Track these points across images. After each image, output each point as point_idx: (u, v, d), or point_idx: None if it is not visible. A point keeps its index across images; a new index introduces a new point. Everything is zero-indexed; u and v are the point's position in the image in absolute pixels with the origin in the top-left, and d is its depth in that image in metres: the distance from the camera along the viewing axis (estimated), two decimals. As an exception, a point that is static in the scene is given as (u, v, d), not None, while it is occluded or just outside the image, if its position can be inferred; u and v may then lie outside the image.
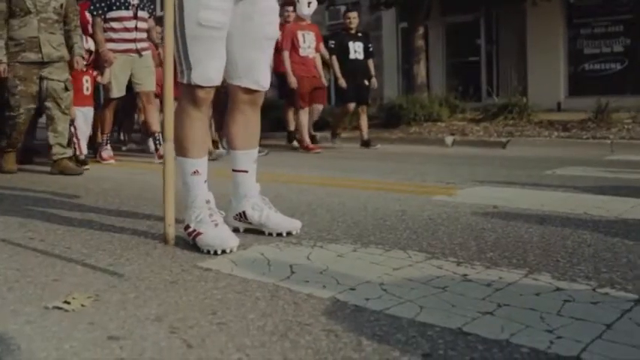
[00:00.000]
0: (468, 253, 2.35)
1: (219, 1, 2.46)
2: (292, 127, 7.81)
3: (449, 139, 8.06)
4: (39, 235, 2.93)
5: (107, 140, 6.53)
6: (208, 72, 2.49)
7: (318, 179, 4.62)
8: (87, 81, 6.11)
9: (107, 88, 6.26)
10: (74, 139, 5.94)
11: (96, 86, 6.33)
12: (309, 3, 2.54)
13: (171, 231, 2.01)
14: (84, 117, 6.07)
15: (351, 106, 7.80)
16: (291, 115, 7.85)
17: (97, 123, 6.45)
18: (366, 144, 7.79)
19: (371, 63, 8.00)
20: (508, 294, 1.86)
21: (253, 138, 2.80)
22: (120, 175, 5.23)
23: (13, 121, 5.25)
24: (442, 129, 8.90)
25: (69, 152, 5.43)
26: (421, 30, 11.11)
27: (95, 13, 6.05)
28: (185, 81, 2.53)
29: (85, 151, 6.04)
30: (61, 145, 5.36)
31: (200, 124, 2.59)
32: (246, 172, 2.80)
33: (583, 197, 3.58)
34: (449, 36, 15.37)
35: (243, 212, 2.79)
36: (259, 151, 6.41)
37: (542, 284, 1.95)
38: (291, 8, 7.63)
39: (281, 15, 7.72)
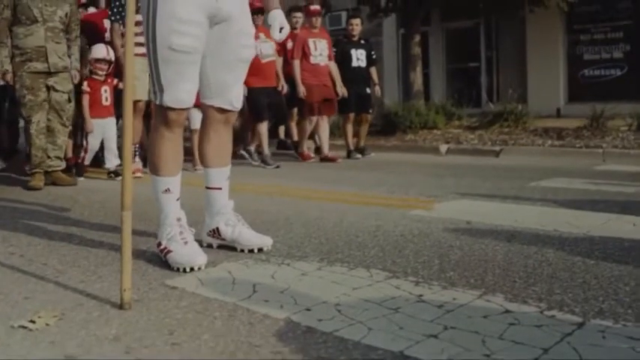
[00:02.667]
0: (429, 272, 2.41)
1: (192, 26, 2.52)
2: (296, 138, 7.79)
3: (443, 148, 8.11)
4: (19, 250, 3.00)
5: (137, 151, 5.96)
6: (179, 94, 2.56)
7: (302, 191, 4.69)
8: (105, 91, 5.85)
9: None
10: (82, 151, 5.87)
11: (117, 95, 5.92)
12: (281, 28, 2.60)
13: (127, 295, 2.03)
14: (101, 130, 5.78)
15: (351, 115, 7.73)
16: (294, 125, 7.84)
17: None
18: (360, 151, 7.78)
19: (374, 70, 7.94)
20: (457, 316, 1.92)
21: (226, 156, 2.87)
22: (111, 187, 5.17)
23: (27, 134, 5.25)
24: (437, 137, 8.95)
25: (63, 165, 5.46)
26: (418, 37, 11.13)
27: (113, 18, 5.84)
28: (157, 102, 2.60)
29: (109, 165, 5.82)
30: (58, 157, 5.39)
31: (171, 144, 2.65)
32: (219, 189, 2.87)
33: (558, 212, 3.62)
34: (449, 41, 15.43)
35: (217, 228, 2.85)
36: (271, 165, 6.50)
37: (493, 306, 2.00)
38: (299, 14, 7.61)
39: (288, 20, 7.70)
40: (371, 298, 2.10)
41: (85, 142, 5.90)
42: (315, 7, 7.40)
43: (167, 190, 2.66)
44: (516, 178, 5.18)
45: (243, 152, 6.78)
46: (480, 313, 1.94)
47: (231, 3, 2.64)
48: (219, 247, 2.88)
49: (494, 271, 2.41)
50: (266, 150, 6.80)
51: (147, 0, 2.53)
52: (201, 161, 2.88)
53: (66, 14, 5.33)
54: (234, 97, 2.77)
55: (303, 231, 3.22)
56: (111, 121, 5.91)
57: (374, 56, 8.02)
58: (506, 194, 4.32)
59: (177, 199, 2.70)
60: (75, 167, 5.86)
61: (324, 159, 7.16)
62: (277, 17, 2.81)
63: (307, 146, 7.57)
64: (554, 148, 7.59)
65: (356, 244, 2.91)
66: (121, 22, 5.71)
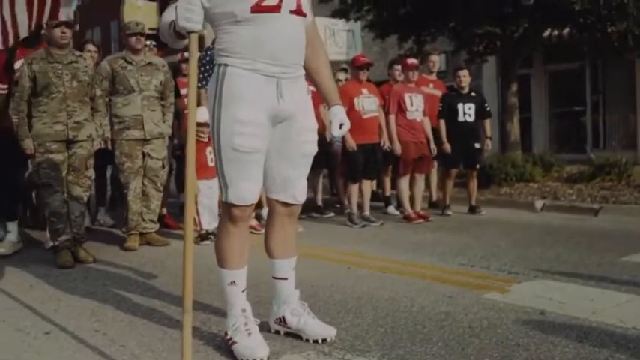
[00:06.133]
0: (487, 379, 2.36)
1: (254, 128, 2.65)
2: (388, 192, 7.69)
3: (538, 204, 7.83)
4: (104, 327, 3.23)
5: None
6: (242, 193, 2.69)
7: (381, 262, 4.69)
8: (210, 152, 5.68)
9: None
10: (194, 214, 5.70)
11: None
12: (341, 125, 2.67)
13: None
14: (209, 190, 5.68)
15: (455, 171, 7.58)
16: (388, 180, 7.69)
17: None
18: (472, 210, 7.54)
19: (487, 123, 7.67)
20: None
21: (291, 247, 2.97)
22: (199, 251, 4.76)
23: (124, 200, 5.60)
24: (534, 191, 8.66)
25: (156, 227, 5.77)
26: (515, 86, 10.87)
27: (200, 85, 5.77)
28: (223, 199, 2.74)
29: (206, 225, 5.74)
30: (152, 221, 5.70)
31: (237, 239, 2.78)
32: (285, 279, 2.97)
33: (643, 302, 3.43)
34: (552, 84, 15.00)
35: (283, 317, 2.95)
36: (374, 222, 6.49)
37: None
38: (398, 67, 7.46)
39: (390, 72, 7.74)
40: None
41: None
42: (412, 61, 7.24)
43: (233, 283, 2.79)
44: (608, 250, 4.93)
45: (348, 222, 6.70)
46: None
47: (293, 102, 2.75)
48: (286, 334, 2.96)
49: (556, 382, 2.33)
50: (366, 209, 6.80)
51: (212, 101, 2.69)
52: (267, 252, 2.98)
53: (160, 82, 5.66)
54: (298, 192, 2.87)
55: (371, 317, 3.24)
56: (216, 183, 5.95)
57: (487, 108, 7.71)
58: (591, 272, 4.13)
59: (243, 291, 2.82)
60: (199, 237, 5.71)
61: (419, 216, 6.97)
62: (338, 114, 2.89)
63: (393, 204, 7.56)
64: (660, 208, 7.15)
65: (420, 336, 2.90)
66: (207, 87, 5.90)
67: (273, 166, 2.82)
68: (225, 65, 2.68)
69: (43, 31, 5.20)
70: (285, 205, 2.88)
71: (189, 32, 2.47)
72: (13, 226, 5.48)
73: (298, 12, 2.72)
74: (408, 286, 3.88)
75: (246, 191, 2.69)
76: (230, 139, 2.63)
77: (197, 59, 2.50)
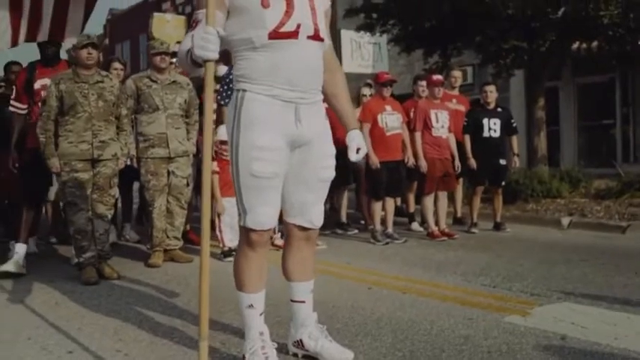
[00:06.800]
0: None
1: (273, 153, 2.67)
2: (412, 209, 7.71)
3: (565, 221, 7.72)
4: (125, 347, 3.28)
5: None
6: (260, 217, 2.71)
7: (402, 282, 4.67)
8: None
9: None
10: (217, 232, 5.82)
11: None
12: (358, 149, 2.68)
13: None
14: (233, 208, 5.21)
15: (480, 188, 7.52)
16: (412, 196, 7.66)
17: None
18: (497, 227, 7.47)
19: (514, 139, 7.62)
20: None
21: (309, 270, 2.98)
22: (222, 268, 4.73)
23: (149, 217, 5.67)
24: (561, 207, 8.55)
25: (180, 244, 5.81)
26: (542, 101, 10.77)
27: (223, 103, 6.01)
28: (241, 223, 2.76)
29: (228, 243, 5.74)
30: (176, 237, 5.76)
31: (254, 263, 2.80)
32: (303, 302, 2.97)
33: (669, 326, 3.37)
34: (581, 97, 14.83)
35: (301, 340, 2.96)
36: (397, 239, 6.47)
37: None
38: (423, 82, 7.39)
39: (414, 88, 7.68)
40: None
41: (217, 222, 5.84)
42: (438, 77, 7.20)
43: (250, 306, 2.81)
44: (635, 270, 4.85)
45: (371, 239, 6.68)
46: None
47: (311, 127, 2.77)
48: (304, 356, 2.97)
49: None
50: (389, 227, 6.79)
51: (231, 127, 2.72)
52: (285, 275, 2.99)
53: (185, 100, 5.73)
54: (315, 216, 2.88)
55: (390, 340, 3.23)
56: None
57: (514, 124, 7.62)
58: (616, 294, 4.07)
59: (261, 314, 2.84)
60: (222, 254, 5.77)
61: (443, 234, 6.92)
62: (355, 138, 2.90)
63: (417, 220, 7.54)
64: (690, 226, 7.01)
65: (438, 362, 2.89)
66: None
67: (291, 191, 2.83)
68: (244, 91, 2.71)
69: (68, 50, 5.34)
70: (303, 229, 2.89)
71: (206, 61, 2.49)
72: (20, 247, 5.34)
73: (316, 37, 2.74)
74: (428, 308, 3.86)
75: (264, 216, 2.71)
76: (248, 165, 2.66)
77: (213, 88, 2.53)
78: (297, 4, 2.67)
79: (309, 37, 2.71)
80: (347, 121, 2.96)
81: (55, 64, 5.53)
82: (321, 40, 2.78)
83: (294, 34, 2.66)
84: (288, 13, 2.65)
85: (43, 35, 5.60)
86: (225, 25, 2.67)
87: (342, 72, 3.05)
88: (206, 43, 2.43)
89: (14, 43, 5.64)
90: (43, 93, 5.23)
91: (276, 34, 2.63)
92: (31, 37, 5.64)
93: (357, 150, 2.88)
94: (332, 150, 2.91)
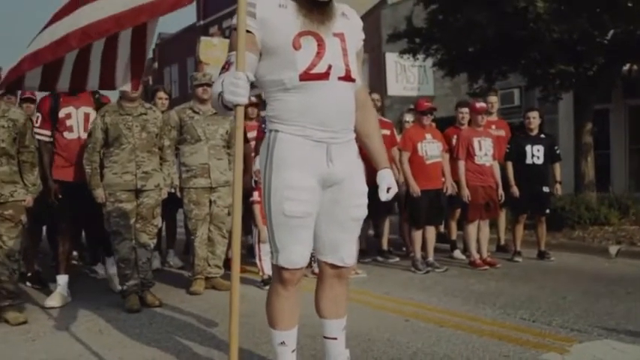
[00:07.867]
0: None
1: (304, 193, 2.71)
2: (454, 236, 7.67)
3: (613, 249, 7.53)
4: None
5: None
6: (292, 256, 2.75)
7: (441, 313, 4.65)
8: None
9: None
10: (257, 260, 5.88)
11: None
12: (389, 189, 2.70)
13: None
14: None
15: (523, 216, 7.42)
16: (454, 224, 7.67)
17: None
18: (541, 255, 7.35)
19: (557, 167, 7.47)
20: None
21: (341, 308, 3.00)
22: (260, 296, 4.79)
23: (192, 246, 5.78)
24: (609, 235, 8.33)
25: (221, 272, 5.90)
26: (589, 125, 10.56)
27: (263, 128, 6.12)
28: (274, 262, 2.81)
29: (267, 271, 5.66)
30: (217, 266, 5.87)
31: (287, 301, 2.84)
32: (335, 339, 3.00)
33: None
34: (632, 119, 14.47)
35: (332, 376, 2.96)
36: (438, 267, 6.44)
37: None
38: (465, 110, 7.41)
39: (455, 114, 7.66)
40: None
41: (257, 250, 5.93)
42: (481, 104, 7.12)
43: (282, 343, 2.85)
44: (683, 305, 4.71)
45: (412, 268, 6.68)
46: None
47: (343, 167, 2.80)
48: (335, 393, 2.98)
49: None
50: (430, 255, 6.77)
51: (263, 167, 2.78)
52: (318, 312, 3.02)
53: (227, 131, 5.84)
54: (347, 255, 2.90)
55: (423, 377, 3.21)
56: None
57: (557, 151, 7.48)
58: (661, 332, 3.96)
59: (293, 351, 2.88)
60: (262, 282, 5.82)
61: (485, 263, 6.84)
62: (386, 177, 2.92)
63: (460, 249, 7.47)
64: None
65: (470, 402, 2.86)
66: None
67: (323, 229, 2.86)
68: (276, 131, 2.76)
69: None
70: (334, 267, 2.92)
71: (236, 105, 2.56)
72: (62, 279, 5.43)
73: (347, 78, 2.78)
74: (464, 343, 3.83)
75: (296, 254, 2.74)
76: (280, 205, 2.70)
77: (243, 130, 2.61)
78: (328, 45, 2.72)
79: (340, 79, 2.74)
80: (378, 159, 2.99)
81: (79, 91, 5.31)
82: (353, 80, 2.81)
83: (324, 76, 2.70)
84: (319, 55, 2.69)
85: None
86: (257, 66, 2.73)
87: (374, 111, 3.09)
88: (236, 88, 2.48)
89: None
90: (67, 122, 5.39)
91: (307, 76, 2.67)
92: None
93: (388, 190, 2.90)
94: (364, 188, 2.93)
